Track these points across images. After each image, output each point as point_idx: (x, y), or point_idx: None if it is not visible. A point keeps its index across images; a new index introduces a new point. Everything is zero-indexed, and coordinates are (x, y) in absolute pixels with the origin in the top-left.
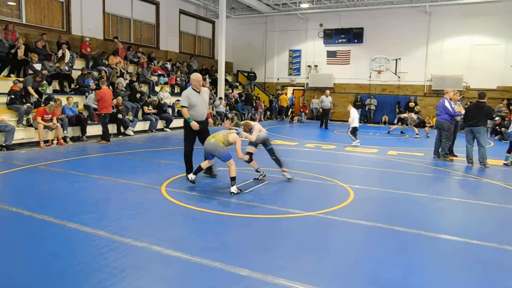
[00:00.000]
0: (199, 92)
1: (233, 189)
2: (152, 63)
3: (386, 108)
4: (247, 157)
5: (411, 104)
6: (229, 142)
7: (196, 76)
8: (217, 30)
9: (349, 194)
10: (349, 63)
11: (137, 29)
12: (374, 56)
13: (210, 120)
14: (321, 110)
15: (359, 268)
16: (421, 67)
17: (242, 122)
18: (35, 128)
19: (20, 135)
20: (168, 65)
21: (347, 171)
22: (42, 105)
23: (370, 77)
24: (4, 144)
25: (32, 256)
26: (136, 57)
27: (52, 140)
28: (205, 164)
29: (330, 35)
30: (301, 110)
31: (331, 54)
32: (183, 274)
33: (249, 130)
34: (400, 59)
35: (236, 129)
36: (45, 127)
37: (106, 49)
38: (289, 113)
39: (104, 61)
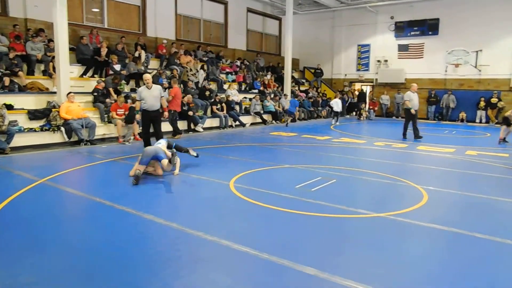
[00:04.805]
0: (150, 88)
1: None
2: (221, 61)
3: (464, 105)
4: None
5: (494, 100)
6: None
7: (144, 76)
8: (283, 27)
9: (422, 196)
10: (422, 57)
11: (207, 29)
12: (450, 48)
13: (166, 114)
14: (413, 111)
15: (433, 275)
16: (506, 59)
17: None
18: (115, 125)
19: (102, 130)
20: (238, 63)
21: (420, 171)
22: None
23: (446, 71)
24: (88, 139)
25: (113, 243)
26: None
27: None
28: (140, 171)
29: (402, 28)
30: (370, 106)
31: (402, 48)
32: (251, 270)
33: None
34: (481, 51)
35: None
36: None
37: (178, 49)
38: (356, 109)
39: (176, 60)
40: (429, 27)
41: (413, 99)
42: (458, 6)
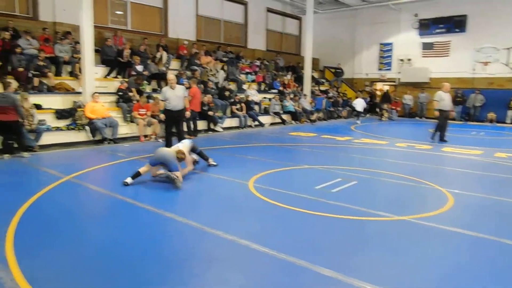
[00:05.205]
0: (173, 89)
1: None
2: (240, 61)
3: (493, 105)
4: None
5: None
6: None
7: (168, 76)
8: (303, 26)
9: (447, 199)
10: (448, 55)
11: (227, 30)
12: (479, 46)
13: (188, 113)
14: (437, 113)
15: (457, 284)
16: None
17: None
18: (137, 124)
19: (125, 130)
20: (257, 63)
21: (445, 173)
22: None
23: (474, 69)
24: (111, 138)
25: (132, 241)
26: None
27: (151, 134)
28: (143, 170)
29: (427, 25)
30: (392, 106)
31: (427, 46)
32: (269, 270)
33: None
34: None
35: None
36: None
37: (198, 50)
38: (378, 110)
39: (196, 61)
40: (456, 24)
41: (444, 99)
42: (488, 2)
